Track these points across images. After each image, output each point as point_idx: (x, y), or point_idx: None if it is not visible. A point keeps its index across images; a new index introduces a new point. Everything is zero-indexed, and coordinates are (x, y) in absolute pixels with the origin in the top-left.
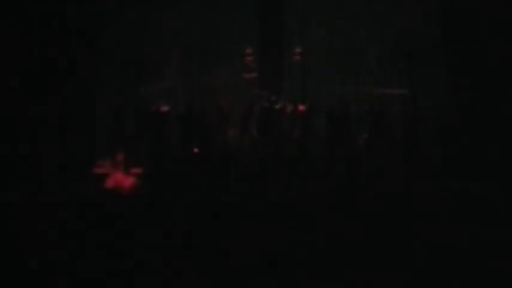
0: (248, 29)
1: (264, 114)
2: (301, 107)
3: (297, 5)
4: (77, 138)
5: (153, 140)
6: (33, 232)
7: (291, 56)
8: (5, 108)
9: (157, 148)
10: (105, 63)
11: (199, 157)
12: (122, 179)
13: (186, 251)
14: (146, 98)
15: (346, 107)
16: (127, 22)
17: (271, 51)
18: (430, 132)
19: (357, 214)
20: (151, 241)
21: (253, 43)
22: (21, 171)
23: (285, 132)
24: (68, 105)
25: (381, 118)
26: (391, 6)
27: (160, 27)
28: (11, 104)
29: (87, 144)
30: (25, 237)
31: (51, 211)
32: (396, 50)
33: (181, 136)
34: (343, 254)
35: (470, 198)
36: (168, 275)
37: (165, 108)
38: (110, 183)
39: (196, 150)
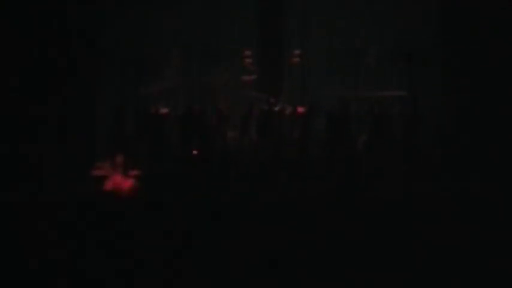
0: (248, 29)
1: (263, 116)
2: (301, 109)
3: (297, 5)
4: (77, 138)
5: (152, 140)
6: (33, 232)
7: (291, 57)
8: (5, 108)
9: (157, 148)
10: (105, 63)
11: (199, 157)
12: (121, 181)
13: (186, 251)
14: (146, 98)
15: (346, 108)
16: (127, 22)
17: (271, 52)
18: (430, 132)
19: (356, 214)
20: (151, 241)
21: (253, 43)
22: (21, 171)
23: (285, 134)
24: (68, 105)
25: (381, 118)
26: (391, 6)
27: (160, 27)
28: (11, 104)
29: (87, 144)
30: (25, 237)
31: (51, 211)
32: (396, 50)
33: (181, 136)
34: (343, 254)
35: (470, 198)
36: (168, 275)
37: (164, 110)
38: (109, 184)
39: (196, 150)
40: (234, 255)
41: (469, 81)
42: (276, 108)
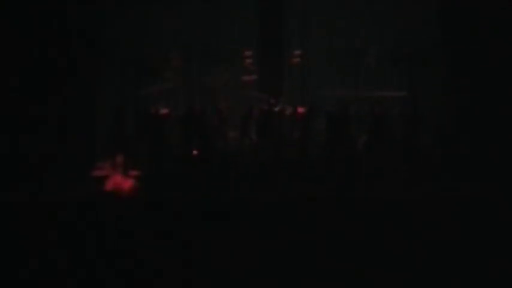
0: (248, 29)
1: (263, 116)
2: (301, 109)
3: (297, 5)
4: (77, 138)
5: (153, 140)
6: (33, 232)
7: (291, 57)
8: (5, 108)
9: (157, 148)
10: (105, 63)
11: (200, 157)
12: (121, 181)
13: (185, 251)
14: (146, 98)
15: (346, 108)
16: (127, 22)
17: (271, 52)
18: (430, 132)
19: (356, 214)
20: (151, 241)
21: (253, 43)
22: (21, 171)
23: (285, 134)
24: (68, 105)
25: (381, 119)
26: (391, 6)
27: (160, 27)
28: (11, 104)
29: (87, 144)
30: (25, 237)
31: (51, 211)
32: (396, 50)
33: (182, 136)
34: (343, 255)
35: (470, 198)
36: (168, 275)
37: (164, 111)
38: (109, 184)
39: (196, 150)
40: (234, 255)
41: (469, 81)
42: (276, 109)
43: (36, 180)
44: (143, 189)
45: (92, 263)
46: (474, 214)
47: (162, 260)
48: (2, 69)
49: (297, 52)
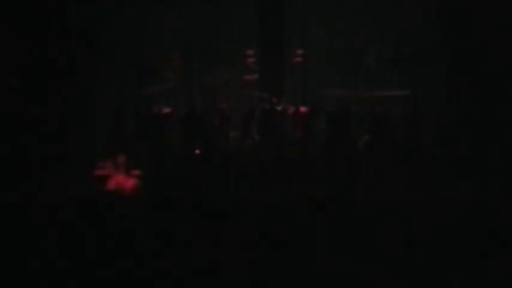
0: (248, 29)
1: (265, 116)
2: (303, 109)
3: (297, 5)
4: (77, 138)
5: (153, 140)
6: (33, 232)
7: (292, 57)
8: (5, 108)
9: (157, 148)
10: (105, 63)
11: (201, 157)
12: (122, 181)
13: (187, 251)
14: (146, 98)
15: (347, 108)
16: (127, 22)
17: (272, 51)
18: (431, 132)
19: (356, 215)
20: (152, 242)
21: (253, 43)
22: (21, 171)
23: (287, 134)
24: (68, 105)
25: (381, 119)
26: (391, 6)
27: (161, 27)
28: (11, 104)
29: (87, 144)
30: (25, 237)
31: (51, 211)
32: (396, 50)
33: (183, 137)
34: (343, 255)
35: (470, 198)
36: (168, 275)
37: (166, 110)
38: (110, 184)
39: (198, 150)
40: (234, 256)
41: (469, 81)
42: (279, 108)
43: (36, 180)
44: (144, 189)
45: (92, 263)
46: (474, 214)
47: (162, 260)
48: (2, 69)
49: (300, 52)
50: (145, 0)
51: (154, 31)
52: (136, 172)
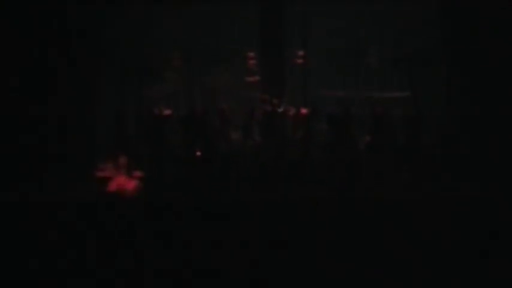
0: (248, 29)
1: (266, 117)
2: (303, 110)
3: (297, 5)
4: (77, 138)
5: (154, 141)
6: (33, 232)
7: (292, 57)
8: (5, 108)
9: (158, 149)
10: (105, 63)
11: (202, 159)
12: (123, 182)
13: (186, 251)
14: (147, 99)
15: (347, 109)
16: (127, 22)
17: (272, 52)
18: (431, 132)
19: (357, 215)
20: (152, 242)
21: (253, 44)
22: (21, 171)
23: (288, 136)
24: (68, 105)
25: (382, 119)
26: (391, 6)
27: (161, 27)
28: (11, 104)
29: (87, 144)
30: (25, 237)
31: (51, 211)
32: (396, 50)
33: (184, 138)
34: (344, 255)
35: (470, 198)
36: (169, 275)
37: (167, 112)
38: (110, 185)
39: (199, 152)
40: (234, 256)
41: (469, 81)
42: (280, 109)
43: (36, 180)
44: (144, 191)
45: (92, 263)
46: (474, 214)
47: (162, 260)
48: (2, 69)
49: (300, 53)
50: (146, 0)
51: (154, 31)
52: (138, 173)
